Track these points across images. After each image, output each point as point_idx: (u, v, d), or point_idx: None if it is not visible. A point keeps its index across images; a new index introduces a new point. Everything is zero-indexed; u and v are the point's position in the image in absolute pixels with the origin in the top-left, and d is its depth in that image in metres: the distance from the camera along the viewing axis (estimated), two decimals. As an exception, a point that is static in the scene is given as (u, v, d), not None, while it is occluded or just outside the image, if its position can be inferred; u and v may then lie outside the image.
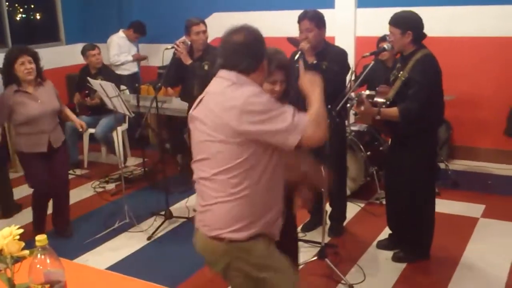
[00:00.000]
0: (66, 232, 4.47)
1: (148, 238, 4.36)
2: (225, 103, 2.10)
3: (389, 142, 3.86)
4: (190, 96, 4.55)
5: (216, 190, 2.16)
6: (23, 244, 1.64)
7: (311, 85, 2.26)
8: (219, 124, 2.11)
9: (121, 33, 7.09)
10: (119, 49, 6.99)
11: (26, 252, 1.64)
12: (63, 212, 4.49)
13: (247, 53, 2.18)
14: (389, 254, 3.89)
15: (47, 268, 1.59)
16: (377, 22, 5.49)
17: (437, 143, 4.22)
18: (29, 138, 4.10)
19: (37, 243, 1.57)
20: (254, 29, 2.26)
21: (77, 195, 5.37)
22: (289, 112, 2.08)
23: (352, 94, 4.08)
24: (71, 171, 5.98)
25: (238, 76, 2.16)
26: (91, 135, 6.11)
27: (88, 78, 5.01)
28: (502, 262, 3.75)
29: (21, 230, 1.65)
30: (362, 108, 3.41)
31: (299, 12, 3.94)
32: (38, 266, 1.58)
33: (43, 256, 1.58)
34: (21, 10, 7.98)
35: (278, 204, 2.28)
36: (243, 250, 2.19)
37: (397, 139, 3.69)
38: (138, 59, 7.25)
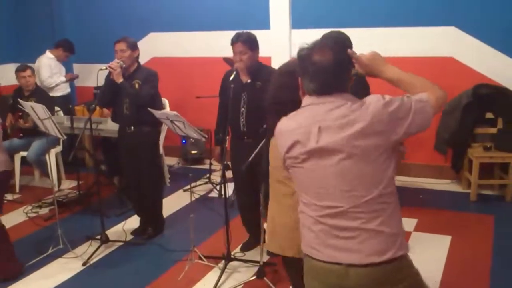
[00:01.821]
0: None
1: (84, 264, 4.23)
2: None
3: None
4: (121, 116, 4.51)
5: None
6: None
7: (377, 62, 2.12)
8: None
9: (48, 54, 6.80)
10: (50, 71, 6.73)
11: None
12: None
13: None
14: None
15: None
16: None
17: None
18: None
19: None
20: None
21: (8, 220, 5.11)
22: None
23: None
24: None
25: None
26: (23, 158, 5.91)
27: (19, 100, 4.87)
28: (434, 274, 3.87)
29: None
30: None
31: (234, 32, 4.00)
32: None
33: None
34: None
35: None
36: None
37: None
38: (71, 78, 7.06)
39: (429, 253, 4.20)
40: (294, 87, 2.24)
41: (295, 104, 2.15)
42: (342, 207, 1.97)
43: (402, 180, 5.91)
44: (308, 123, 2.00)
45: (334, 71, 1.99)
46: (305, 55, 2.02)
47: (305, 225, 2.09)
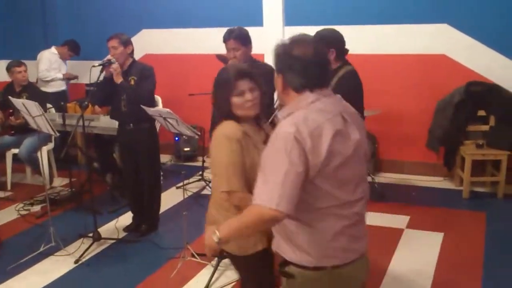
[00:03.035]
0: None
1: (76, 262, 4.21)
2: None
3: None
4: (119, 113, 4.49)
5: None
6: None
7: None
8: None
9: (53, 49, 6.91)
10: (49, 65, 6.82)
11: None
12: None
13: None
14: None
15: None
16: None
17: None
18: None
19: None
20: None
21: (-1, 218, 5.15)
22: None
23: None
24: (-7, 193, 5.74)
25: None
26: (15, 155, 5.87)
27: (10, 97, 4.83)
28: (427, 270, 3.90)
29: None
30: None
31: (227, 29, 3.98)
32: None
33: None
34: None
35: None
36: None
37: None
38: (68, 78, 7.04)
39: (422, 250, 4.22)
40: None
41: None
42: (364, 196, 2.08)
43: (394, 177, 5.94)
44: (335, 112, 1.97)
45: (325, 64, 2.03)
46: (291, 50, 1.98)
47: (330, 232, 1.98)
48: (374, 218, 4.73)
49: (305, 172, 1.85)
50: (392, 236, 4.48)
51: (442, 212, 5.01)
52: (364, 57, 5.51)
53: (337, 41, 3.53)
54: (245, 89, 2.39)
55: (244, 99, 2.38)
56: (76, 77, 7.09)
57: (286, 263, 2.06)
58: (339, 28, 3.62)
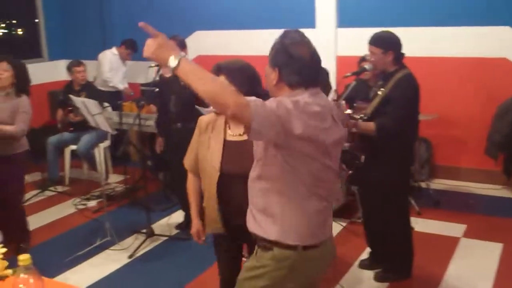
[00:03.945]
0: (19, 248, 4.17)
1: (129, 257, 4.31)
2: None
3: (363, 158, 3.88)
4: (167, 112, 4.56)
5: None
6: (6, 263, 1.61)
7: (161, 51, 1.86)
8: None
9: (114, 50, 7.03)
10: (110, 65, 6.94)
11: (9, 271, 1.61)
12: (11, 224, 4.28)
13: None
14: (372, 274, 3.90)
15: (29, 288, 1.56)
16: (358, 42, 5.60)
17: (412, 159, 4.26)
18: None
19: (20, 263, 1.55)
20: None
21: (58, 212, 5.32)
22: None
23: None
24: (52, 188, 5.93)
25: None
26: (73, 151, 6.06)
27: (70, 95, 4.99)
28: (484, 283, 3.77)
29: (4, 249, 1.63)
30: None
31: (279, 31, 3.96)
32: (20, 285, 1.55)
33: (26, 276, 1.56)
34: (3, 25, 7.92)
35: None
36: None
37: (372, 155, 3.70)
38: (126, 93, 7.15)
39: (479, 261, 4.09)
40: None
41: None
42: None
43: (450, 183, 5.78)
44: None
45: (318, 66, 2.15)
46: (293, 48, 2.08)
47: (309, 210, 2.12)
48: (429, 226, 4.63)
49: (282, 123, 1.88)
50: (448, 245, 4.36)
51: (501, 221, 4.83)
52: (420, 60, 5.38)
53: (395, 44, 3.48)
54: None
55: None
56: (131, 94, 7.13)
57: (263, 240, 2.17)
58: (394, 30, 3.57)
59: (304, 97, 2.02)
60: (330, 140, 2.05)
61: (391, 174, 3.54)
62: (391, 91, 3.43)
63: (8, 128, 4.01)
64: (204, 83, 1.81)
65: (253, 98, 1.89)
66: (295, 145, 1.97)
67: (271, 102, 1.90)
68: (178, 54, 1.82)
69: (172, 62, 1.82)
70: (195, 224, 2.82)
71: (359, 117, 3.53)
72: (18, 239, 4.22)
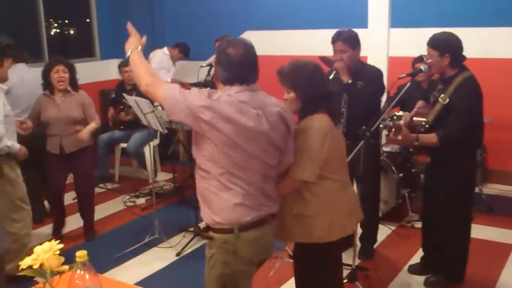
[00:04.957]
0: (87, 235, 4.72)
1: (177, 254, 4.36)
2: None
3: (428, 162, 3.79)
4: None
5: None
6: (63, 259, 1.65)
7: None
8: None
9: (165, 50, 7.12)
10: (160, 65, 7.00)
11: (66, 267, 1.65)
12: (85, 213, 4.77)
13: None
14: (421, 279, 3.82)
15: (85, 284, 1.61)
16: (410, 42, 5.48)
17: (476, 165, 4.13)
18: (48, 139, 4.49)
19: (77, 259, 1.59)
20: None
21: (107, 208, 5.44)
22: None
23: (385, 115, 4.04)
24: (102, 185, 6.07)
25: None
26: (123, 149, 6.19)
27: (124, 94, 5.09)
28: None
29: (61, 245, 1.67)
30: (400, 137, 3.34)
31: (332, 31, 3.93)
32: (77, 281, 1.59)
33: (82, 272, 1.59)
34: (55, 25, 8.15)
35: None
36: None
37: (436, 160, 3.61)
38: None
39: (536, 270, 3.94)
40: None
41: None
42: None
43: (504, 189, 5.59)
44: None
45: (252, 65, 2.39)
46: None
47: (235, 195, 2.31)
48: (481, 231, 4.49)
49: (191, 109, 2.22)
50: (502, 252, 4.22)
51: (558, 229, 4.65)
52: (474, 61, 5.20)
53: (452, 46, 3.35)
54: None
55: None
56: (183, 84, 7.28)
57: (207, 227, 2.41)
58: (448, 30, 3.46)
59: (228, 90, 2.28)
60: (240, 133, 2.23)
61: (457, 180, 3.45)
62: (453, 97, 3.30)
63: (94, 125, 4.55)
64: (137, 69, 2.47)
65: (174, 84, 2.36)
66: (209, 134, 2.23)
67: (189, 91, 2.27)
68: (136, 48, 2.61)
69: (128, 52, 2.59)
70: None
71: (421, 119, 3.44)
72: (91, 227, 4.78)
